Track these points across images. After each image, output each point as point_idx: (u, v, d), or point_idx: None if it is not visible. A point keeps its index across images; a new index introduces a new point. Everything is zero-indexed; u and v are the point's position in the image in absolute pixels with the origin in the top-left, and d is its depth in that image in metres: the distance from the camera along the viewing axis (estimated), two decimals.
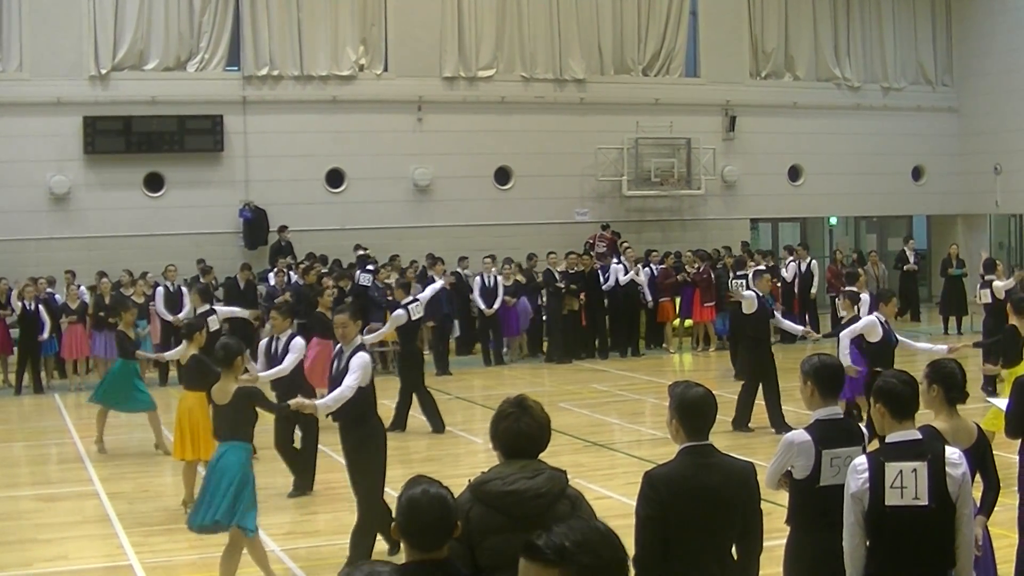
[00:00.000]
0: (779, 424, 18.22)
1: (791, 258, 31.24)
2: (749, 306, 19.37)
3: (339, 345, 12.17)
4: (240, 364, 11.72)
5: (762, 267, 26.43)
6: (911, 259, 34.92)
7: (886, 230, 40.46)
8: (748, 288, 20.34)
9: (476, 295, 27.93)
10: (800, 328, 20.87)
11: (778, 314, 19.99)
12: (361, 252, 30.77)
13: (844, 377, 7.78)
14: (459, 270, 29.23)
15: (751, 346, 19.45)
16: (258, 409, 11.48)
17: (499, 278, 28.27)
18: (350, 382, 11.54)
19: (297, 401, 11.40)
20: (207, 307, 19.17)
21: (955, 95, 39.33)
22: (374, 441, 11.84)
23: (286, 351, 15.12)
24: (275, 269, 28.53)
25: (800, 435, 7.39)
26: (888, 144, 37.91)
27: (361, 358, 11.77)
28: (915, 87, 38.98)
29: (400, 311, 19.54)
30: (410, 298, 19.96)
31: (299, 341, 15.24)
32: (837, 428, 7.44)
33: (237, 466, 11.12)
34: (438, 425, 19.49)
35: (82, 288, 26.95)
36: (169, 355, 17.93)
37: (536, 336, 29.36)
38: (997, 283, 22.56)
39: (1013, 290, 21.32)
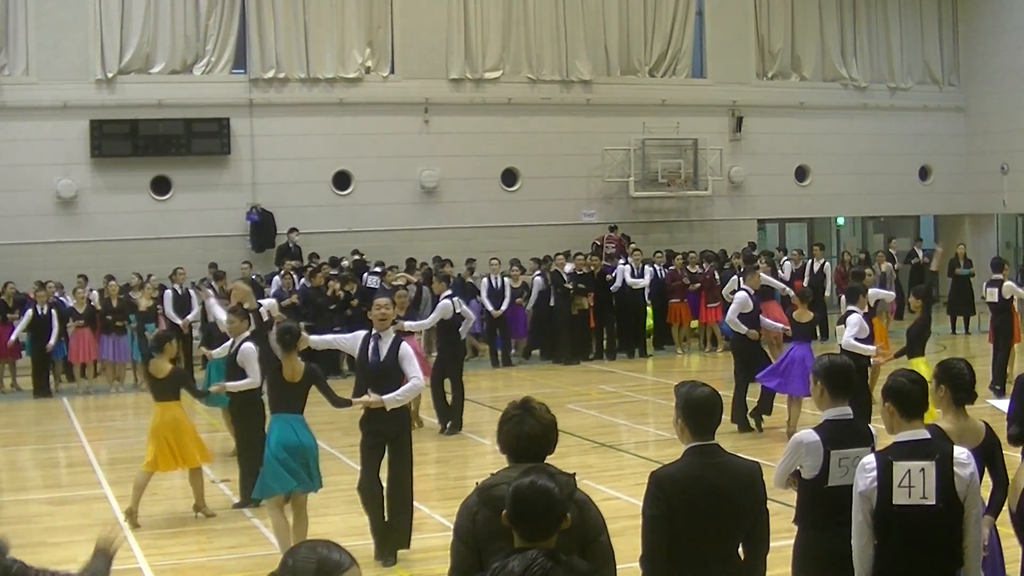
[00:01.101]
0: (741, 421, 18.61)
1: (785, 258, 31.08)
2: (743, 306, 19.32)
3: (372, 331, 12.23)
4: (303, 343, 12.21)
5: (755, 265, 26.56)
6: (920, 256, 35.01)
7: (893, 230, 40.40)
8: (739, 288, 20.42)
9: (484, 297, 27.92)
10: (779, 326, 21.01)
11: (764, 319, 19.82)
12: (357, 257, 30.81)
13: (854, 377, 7.76)
14: (460, 274, 29.20)
15: (738, 344, 19.52)
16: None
17: (507, 280, 28.28)
18: (417, 373, 11.98)
19: (363, 398, 11.83)
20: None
21: (962, 95, 39.31)
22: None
23: (236, 353, 14.87)
24: (281, 272, 28.53)
25: (809, 435, 7.39)
26: (895, 144, 37.90)
27: (407, 347, 12.23)
28: (922, 87, 38.95)
29: (446, 301, 19.79)
30: (449, 291, 20.13)
31: (249, 347, 14.68)
32: (846, 428, 7.42)
33: (310, 437, 12.05)
34: (452, 425, 19.60)
35: (92, 291, 26.97)
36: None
37: (540, 337, 29.31)
38: (1008, 283, 22.57)
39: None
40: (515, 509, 5.11)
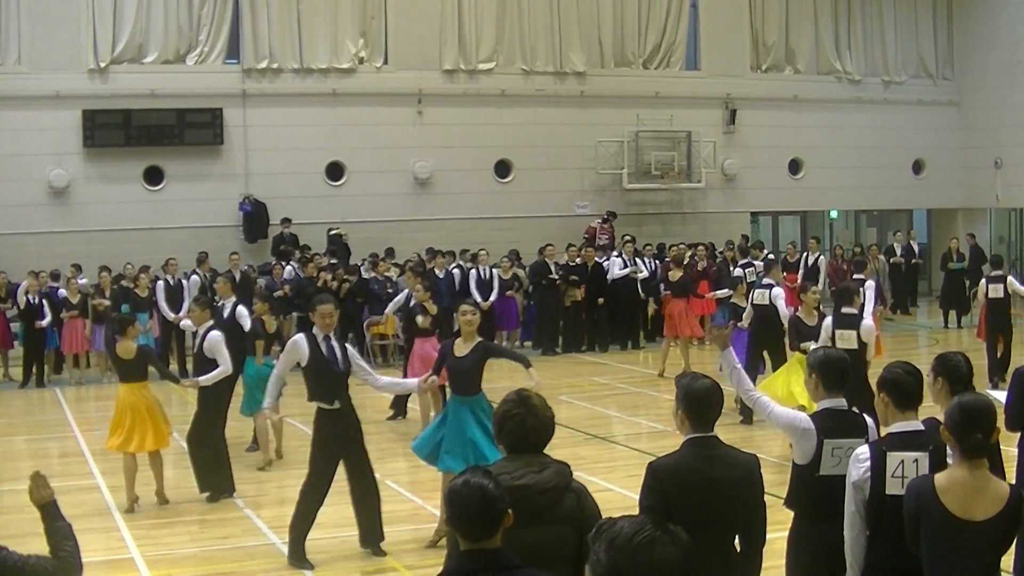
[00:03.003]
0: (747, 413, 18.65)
1: (766, 253, 30.86)
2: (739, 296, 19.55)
3: (314, 334, 12.20)
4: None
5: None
6: (917, 252, 35.15)
7: (886, 224, 40.42)
8: (759, 285, 20.50)
9: (473, 288, 27.86)
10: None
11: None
12: (334, 232, 30.82)
13: (850, 371, 7.76)
14: (461, 263, 29.20)
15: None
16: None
17: (495, 271, 28.26)
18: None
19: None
20: (233, 299, 18.46)
21: (956, 89, 39.31)
22: None
23: (202, 344, 14.83)
24: (275, 262, 28.53)
25: (807, 419, 7.43)
26: (889, 138, 37.91)
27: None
28: (916, 80, 38.95)
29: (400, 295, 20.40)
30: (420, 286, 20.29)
31: (216, 335, 14.77)
32: (841, 419, 7.47)
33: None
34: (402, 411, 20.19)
35: (83, 281, 26.94)
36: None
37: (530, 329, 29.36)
38: (1011, 279, 22.72)
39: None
40: (454, 511, 5.01)
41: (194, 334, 15.38)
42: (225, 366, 14.57)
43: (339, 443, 11.94)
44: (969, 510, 6.11)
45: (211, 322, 15.11)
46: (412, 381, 13.28)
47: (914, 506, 6.22)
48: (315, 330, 12.17)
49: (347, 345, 12.43)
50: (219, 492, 14.88)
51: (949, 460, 6.58)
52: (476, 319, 12.89)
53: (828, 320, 15.37)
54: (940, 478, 6.20)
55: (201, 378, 14.59)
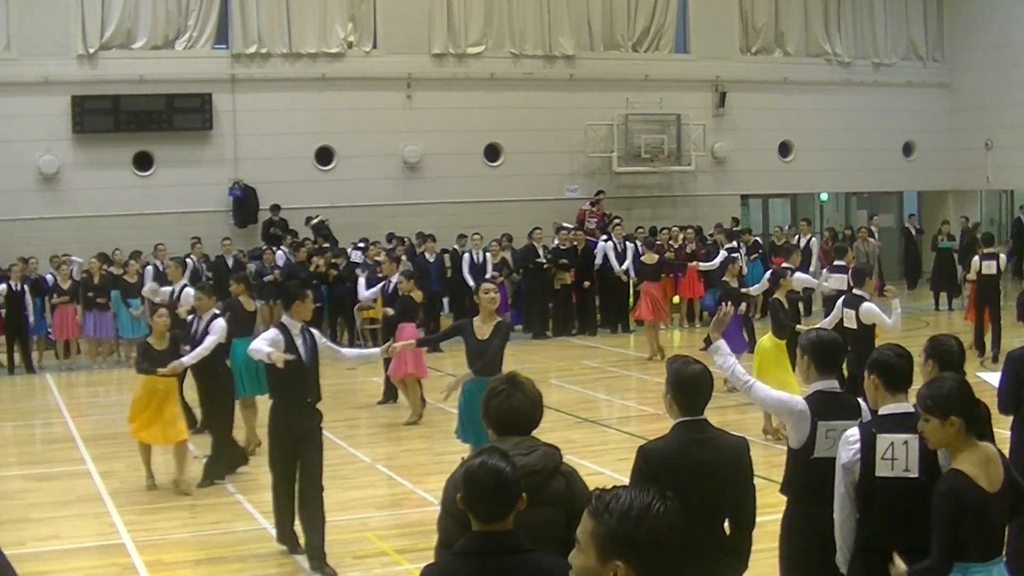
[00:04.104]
0: None
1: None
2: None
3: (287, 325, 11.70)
4: None
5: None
6: (913, 233, 35.20)
7: (876, 206, 40.43)
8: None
9: (465, 272, 27.87)
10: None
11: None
12: (315, 221, 30.81)
13: (842, 353, 7.78)
14: (457, 247, 29.19)
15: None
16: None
17: (487, 255, 28.28)
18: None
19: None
20: (183, 282, 18.85)
21: (946, 71, 39.31)
22: None
23: (206, 332, 14.76)
24: (265, 247, 28.56)
25: (801, 402, 7.44)
26: (879, 120, 37.89)
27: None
28: (906, 62, 38.93)
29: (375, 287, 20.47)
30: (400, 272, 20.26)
31: (220, 322, 14.80)
32: (834, 401, 7.48)
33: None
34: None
35: (77, 261, 26.97)
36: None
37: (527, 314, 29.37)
38: (1003, 257, 23.12)
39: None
40: (468, 491, 4.99)
41: (195, 319, 15.33)
42: (216, 335, 14.63)
43: (293, 439, 11.44)
44: (993, 483, 6.20)
45: (215, 310, 15.11)
46: (375, 350, 12.95)
47: (956, 508, 6.12)
48: (287, 321, 11.67)
49: (313, 331, 11.90)
50: (210, 479, 14.87)
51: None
52: (498, 297, 12.76)
53: (839, 302, 15.97)
54: (964, 467, 6.18)
55: (185, 359, 14.50)
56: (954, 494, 6.12)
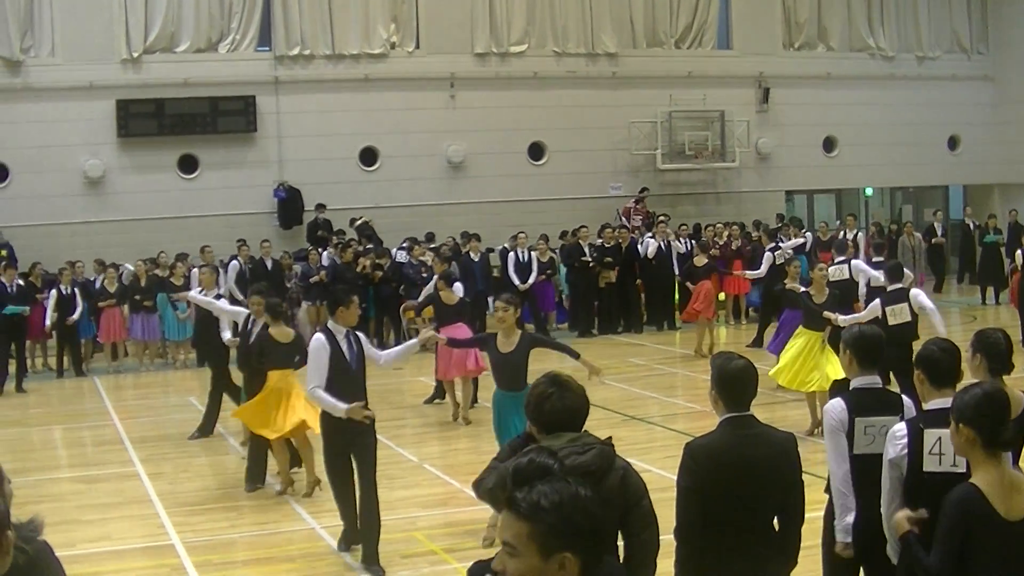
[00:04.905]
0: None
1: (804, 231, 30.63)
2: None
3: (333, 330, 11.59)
4: None
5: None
6: (939, 231, 34.85)
7: (922, 200, 40.20)
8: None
9: (511, 271, 27.85)
10: None
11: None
12: (359, 222, 30.87)
13: (883, 348, 7.72)
14: (507, 246, 29.16)
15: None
16: None
17: (534, 254, 28.25)
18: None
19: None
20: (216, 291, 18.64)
21: (990, 63, 39.03)
22: None
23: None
24: (310, 248, 28.63)
25: (834, 405, 7.44)
26: (923, 114, 37.65)
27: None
28: (950, 56, 38.68)
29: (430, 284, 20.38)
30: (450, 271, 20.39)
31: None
32: (873, 397, 7.46)
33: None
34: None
35: (129, 268, 27.09)
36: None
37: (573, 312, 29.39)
38: None
39: None
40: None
41: (251, 322, 15.33)
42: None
43: (346, 438, 11.31)
44: (1011, 510, 5.87)
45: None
46: (412, 341, 12.70)
47: (960, 518, 5.90)
48: (332, 326, 11.53)
49: (360, 335, 11.81)
50: (253, 483, 14.82)
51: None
52: (508, 316, 12.47)
53: (876, 301, 15.86)
54: (981, 484, 5.91)
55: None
56: (962, 506, 5.90)
